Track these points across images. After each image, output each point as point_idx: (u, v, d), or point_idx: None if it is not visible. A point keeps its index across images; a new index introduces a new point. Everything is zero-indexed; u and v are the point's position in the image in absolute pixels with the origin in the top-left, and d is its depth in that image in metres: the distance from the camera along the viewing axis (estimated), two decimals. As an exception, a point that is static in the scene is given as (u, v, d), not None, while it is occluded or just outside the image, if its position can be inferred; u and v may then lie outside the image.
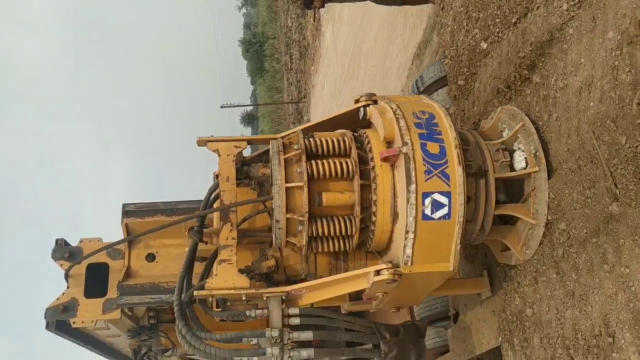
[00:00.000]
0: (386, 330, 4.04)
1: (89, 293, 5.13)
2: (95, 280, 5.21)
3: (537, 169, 3.42)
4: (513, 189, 3.79)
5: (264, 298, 3.69)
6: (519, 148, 3.62)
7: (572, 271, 3.22)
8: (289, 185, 3.40)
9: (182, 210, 4.70)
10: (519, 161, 3.57)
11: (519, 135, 3.60)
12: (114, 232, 5.12)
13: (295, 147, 3.50)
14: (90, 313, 5.05)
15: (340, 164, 3.45)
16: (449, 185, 3.29)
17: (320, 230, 3.48)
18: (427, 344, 6.23)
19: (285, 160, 3.46)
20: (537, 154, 3.44)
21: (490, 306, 4.37)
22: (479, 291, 4.31)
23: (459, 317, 5.25)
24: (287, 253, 4.04)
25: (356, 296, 4.55)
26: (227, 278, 3.71)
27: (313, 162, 3.45)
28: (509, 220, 3.79)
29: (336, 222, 3.49)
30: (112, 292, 5.13)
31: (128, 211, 4.68)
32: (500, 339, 4.16)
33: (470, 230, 3.64)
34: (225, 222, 3.87)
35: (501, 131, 3.79)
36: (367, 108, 3.71)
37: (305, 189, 3.37)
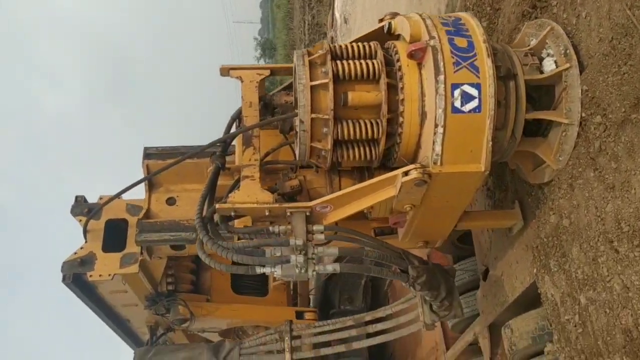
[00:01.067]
0: (415, 258, 3.87)
1: (107, 248, 5.03)
2: (114, 237, 5.13)
3: (568, 65, 3.33)
4: (542, 103, 3.69)
5: (288, 214, 3.57)
6: (548, 54, 3.54)
7: (611, 161, 3.07)
8: (313, 83, 3.33)
9: (205, 153, 4.65)
10: (549, 65, 3.48)
11: (547, 40, 3.53)
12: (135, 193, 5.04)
13: (321, 50, 3.45)
14: (107, 267, 4.95)
15: (367, 64, 3.39)
16: (478, 77, 3.20)
17: (345, 132, 3.39)
18: None
19: (310, 62, 3.41)
20: (568, 51, 3.36)
21: (522, 242, 4.19)
22: (511, 223, 4.14)
23: (488, 274, 5.05)
24: (311, 177, 3.94)
25: (381, 232, 4.41)
26: (250, 193, 3.62)
27: (339, 62, 3.40)
28: (541, 133, 3.67)
29: (362, 124, 3.40)
30: (130, 247, 5.03)
31: (149, 153, 4.63)
32: (534, 270, 3.96)
33: (500, 138, 3.52)
34: (248, 146, 3.81)
35: (528, 44, 3.72)
36: (392, 21, 3.67)
37: (331, 87, 3.31)
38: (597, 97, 3.15)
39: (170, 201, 4.67)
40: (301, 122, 3.37)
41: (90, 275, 4.91)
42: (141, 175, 4.78)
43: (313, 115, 3.34)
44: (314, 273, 3.48)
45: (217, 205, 3.60)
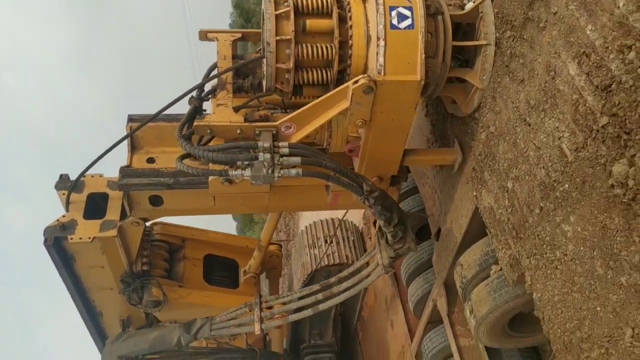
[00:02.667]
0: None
1: (88, 217, 5.41)
2: (95, 211, 5.52)
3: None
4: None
5: (257, 132, 4.13)
6: (469, 1, 4.37)
7: (519, 61, 3.79)
8: (277, 12, 4.05)
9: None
10: (469, 6, 4.30)
11: (467, -10, 4.38)
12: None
13: (284, -9, 4.22)
14: (88, 231, 5.30)
15: (321, 1, 4.15)
16: (410, 2, 3.98)
17: (305, 53, 4.06)
18: (416, 294, 6.37)
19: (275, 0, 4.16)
20: (482, -10, 4.19)
21: (464, 178, 4.77)
22: (452, 158, 4.74)
23: (440, 232, 5.54)
24: (276, 115, 4.54)
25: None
26: (223, 115, 4.19)
27: None
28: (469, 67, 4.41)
29: (318, 47, 4.08)
30: (110, 215, 5.42)
31: (132, 118, 5.17)
32: (474, 194, 4.51)
33: (434, 65, 4.23)
34: (222, 89, 4.44)
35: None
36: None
37: (292, 15, 4.03)
38: (505, 14, 3.93)
39: (150, 160, 5.14)
40: (267, 44, 4.05)
41: (71, 238, 5.23)
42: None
43: (277, 38, 4.03)
44: (279, 176, 3.99)
45: (195, 123, 4.15)
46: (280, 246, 7.55)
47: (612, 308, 2.83)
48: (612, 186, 2.75)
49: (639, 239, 2.62)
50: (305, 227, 9.63)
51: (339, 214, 8.76)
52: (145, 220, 5.45)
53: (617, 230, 2.76)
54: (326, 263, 8.50)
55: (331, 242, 8.78)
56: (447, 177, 5.19)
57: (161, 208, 5.15)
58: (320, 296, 5.55)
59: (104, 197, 5.59)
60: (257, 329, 5.60)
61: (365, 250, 9.15)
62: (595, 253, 2.95)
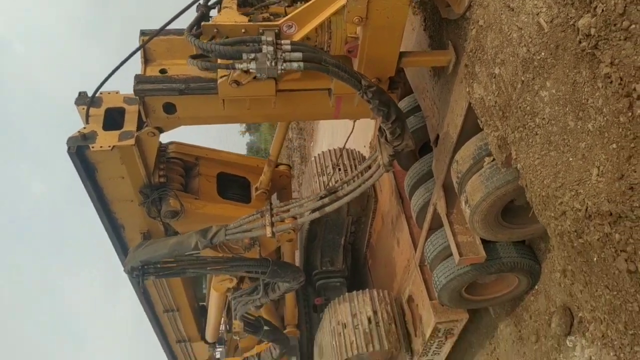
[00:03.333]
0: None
1: (107, 129, 5.79)
2: (113, 125, 5.89)
3: None
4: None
5: (260, 31, 4.43)
6: None
7: (505, -50, 4.02)
8: None
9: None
10: None
11: None
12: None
13: None
14: (107, 140, 5.68)
15: None
16: None
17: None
18: (418, 203, 6.70)
19: None
20: None
21: (457, 78, 5.05)
22: (447, 59, 5.02)
23: (438, 138, 5.86)
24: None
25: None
26: (229, 16, 4.49)
27: None
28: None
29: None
30: (128, 127, 5.81)
31: (145, 32, 5.48)
32: (467, 90, 4.80)
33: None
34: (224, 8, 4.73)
35: None
36: None
37: None
38: None
39: (162, 71, 5.47)
40: None
41: (93, 147, 5.63)
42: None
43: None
44: (283, 69, 4.30)
45: (202, 24, 4.46)
46: (289, 166, 7.91)
47: (582, 154, 3.15)
48: (579, 42, 3.04)
49: (602, 84, 2.92)
50: (315, 157, 9.99)
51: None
52: (161, 130, 5.81)
53: (585, 82, 3.06)
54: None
55: (339, 169, 9.13)
56: (444, 84, 5.47)
57: (174, 116, 5.49)
58: (327, 200, 5.92)
59: (121, 111, 5.97)
60: (268, 232, 6.00)
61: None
62: (567, 109, 3.25)
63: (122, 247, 6.95)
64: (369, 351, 7.41)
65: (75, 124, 5.92)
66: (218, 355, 12.26)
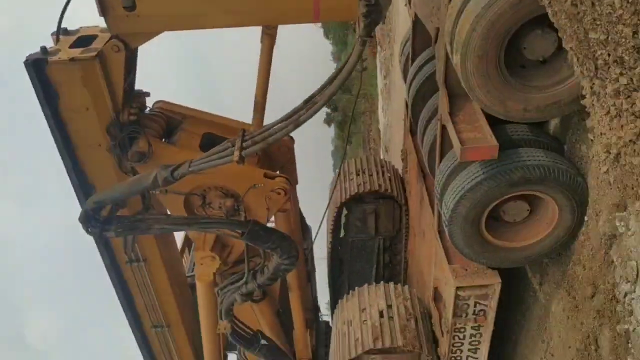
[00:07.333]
0: None
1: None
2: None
3: None
4: None
5: None
6: None
7: None
8: None
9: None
10: None
11: None
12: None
13: None
14: (69, 54, 5.29)
15: None
16: None
17: None
18: (428, 141, 5.65)
19: None
20: None
21: None
22: None
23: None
24: None
25: None
26: None
27: None
28: None
29: None
30: (94, 45, 5.43)
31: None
32: None
33: None
34: None
35: None
36: None
37: None
38: None
39: None
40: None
41: (52, 59, 5.21)
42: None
43: None
44: None
45: None
46: (291, 138, 6.96)
47: None
48: None
49: None
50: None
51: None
52: (126, 46, 5.33)
53: None
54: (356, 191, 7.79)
55: (363, 172, 8.11)
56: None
57: (134, 14, 5.04)
58: (303, 112, 4.97)
59: (94, 38, 5.61)
60: (236, 156, 5.01)
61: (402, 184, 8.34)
62: None
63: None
64: (377, 347, 5.62)
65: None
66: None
